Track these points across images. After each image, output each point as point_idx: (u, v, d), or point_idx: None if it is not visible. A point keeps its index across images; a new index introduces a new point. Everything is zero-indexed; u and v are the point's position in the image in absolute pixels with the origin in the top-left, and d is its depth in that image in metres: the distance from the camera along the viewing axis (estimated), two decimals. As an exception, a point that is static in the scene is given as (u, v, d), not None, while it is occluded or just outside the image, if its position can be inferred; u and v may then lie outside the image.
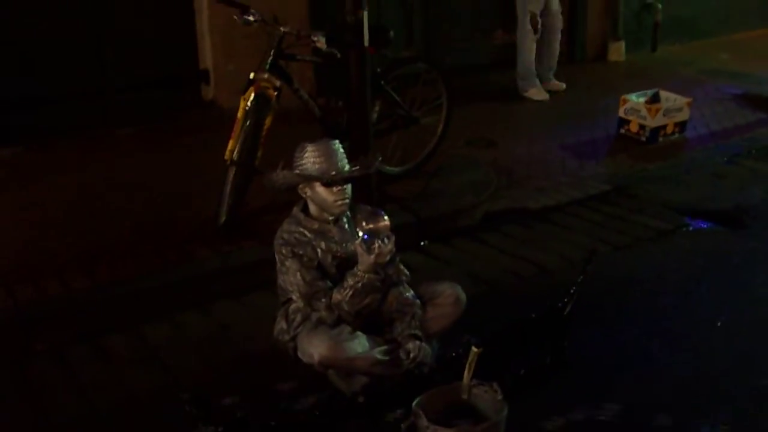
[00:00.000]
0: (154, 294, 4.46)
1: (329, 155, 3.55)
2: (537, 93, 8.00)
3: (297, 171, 3.55)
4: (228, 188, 4.85)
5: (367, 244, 3.44)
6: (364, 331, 3.56)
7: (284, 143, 3.85)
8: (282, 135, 4.71)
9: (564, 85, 8.28)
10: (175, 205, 5.27)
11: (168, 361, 3.99)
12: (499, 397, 3.25)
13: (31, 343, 4.10)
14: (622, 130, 7.07)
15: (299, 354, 3.58)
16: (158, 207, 5.25)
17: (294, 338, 3.63)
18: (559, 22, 8.12)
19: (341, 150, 3.61)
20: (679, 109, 7.01)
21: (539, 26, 7.83)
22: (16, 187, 5.56)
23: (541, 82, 8.12)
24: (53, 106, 6.48)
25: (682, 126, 7.09)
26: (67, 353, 4.04)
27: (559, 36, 8.19)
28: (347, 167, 3.58)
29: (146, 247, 4.75)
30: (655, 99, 7.05)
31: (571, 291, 3.99)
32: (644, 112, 6.86)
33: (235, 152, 4.83)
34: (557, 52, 8.27)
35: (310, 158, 3.53)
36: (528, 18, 7.77)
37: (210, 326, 4.30)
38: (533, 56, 7.94)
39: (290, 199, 3.74)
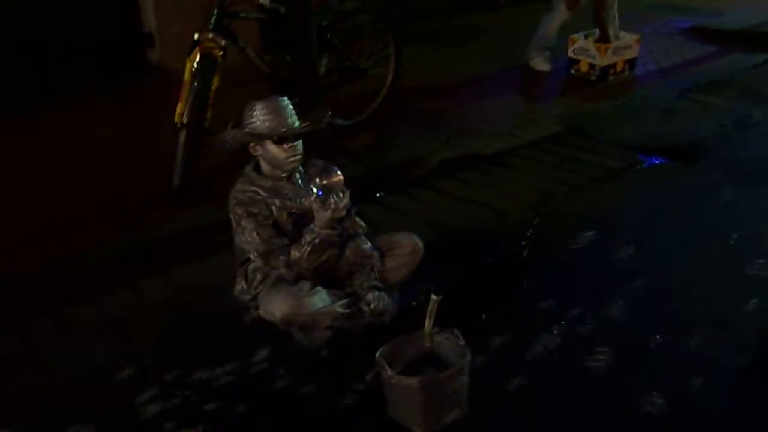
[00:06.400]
0: (112, 263, 4.41)
1: (278, 112, 3.51)
2: (541, 63, 7.27)
3: (247, 130, 3.52)
4: (180, 151, 4.80)
5: (322, 199, 3.42)
6: (324, 286, 3.57)
7: (234, 102, 3.77)
8: (231, 94, 4.63)
9: None
10: (128, 174, 5.19)
11: (131, 330, 3.94)
12: (461, 342, 3.27)
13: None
14: (572, 70, 7.10)
15: (261, 313, 3.58)
16: (110, 177, 5.16)
17: (255, 297, 3.64)
18: None
19: (290, 106, 3.57)
20: (628, 47, 7.05)
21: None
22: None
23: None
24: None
25: (631, 63, 7.14)
26: (30, 328, 3.99)
27: None
28: (297, 123, 3.55)
29: (101, 219, 4.68)
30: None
31: (528, 234, 4.02)
32: (593, 51, 6.88)
33: (184, 115, 4.77)
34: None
35: (259, 116, 3.50)
36: None
37: (170, 292, 4.25)
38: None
39: (244, 158, 3.70)
